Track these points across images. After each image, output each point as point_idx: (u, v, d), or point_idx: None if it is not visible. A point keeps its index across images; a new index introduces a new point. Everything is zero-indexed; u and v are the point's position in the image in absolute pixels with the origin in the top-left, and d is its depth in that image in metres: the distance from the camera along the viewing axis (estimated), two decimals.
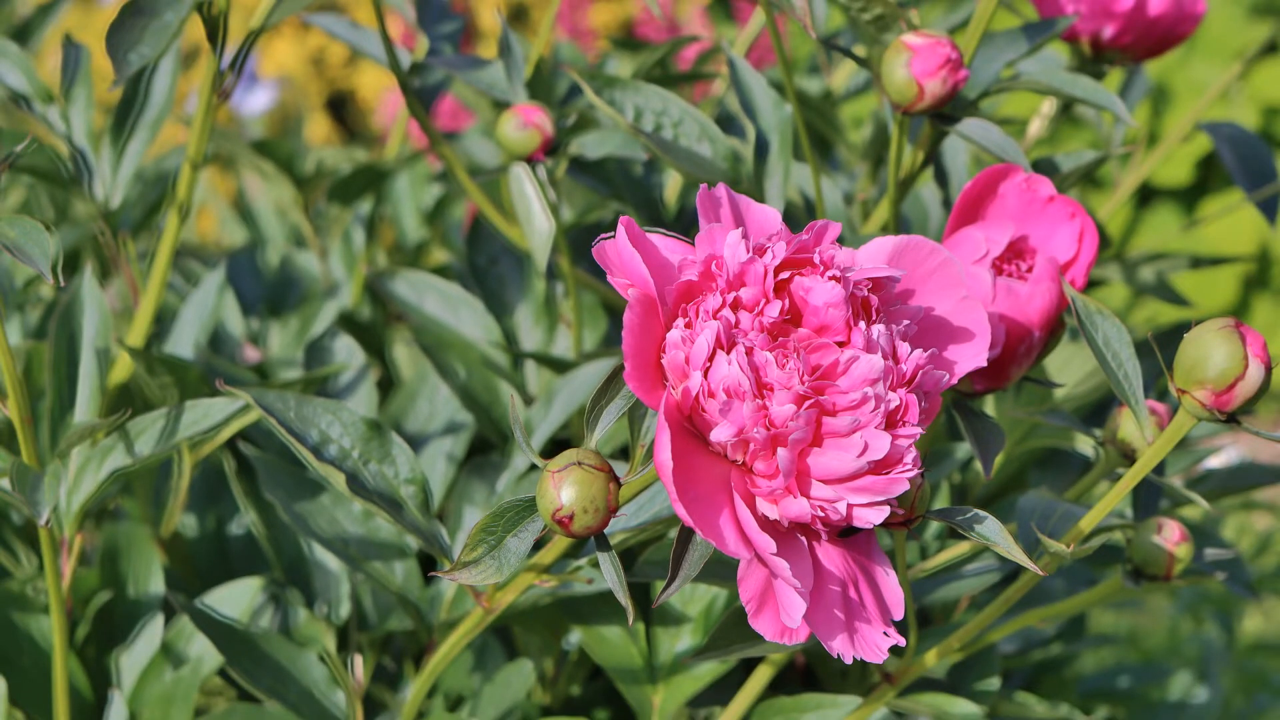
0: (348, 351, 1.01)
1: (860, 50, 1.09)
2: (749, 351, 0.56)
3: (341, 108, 3.41)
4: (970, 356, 0.62)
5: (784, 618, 0.57)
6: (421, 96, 1.04)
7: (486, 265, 1.05)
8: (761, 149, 0.87)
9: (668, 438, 0.55)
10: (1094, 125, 1.16)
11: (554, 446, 0.98)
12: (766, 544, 0.55)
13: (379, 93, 3.22)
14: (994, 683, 0.86)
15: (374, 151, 1.68)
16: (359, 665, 0.85)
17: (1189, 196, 3.04)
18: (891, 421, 0.57)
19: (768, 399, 0.56)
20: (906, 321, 0.60)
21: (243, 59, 0.83)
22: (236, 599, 0.88)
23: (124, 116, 0.94)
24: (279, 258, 1.25)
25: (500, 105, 1.03)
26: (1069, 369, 1.02)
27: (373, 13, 0.92)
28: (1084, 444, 0.99)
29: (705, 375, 0.56)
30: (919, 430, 0.57)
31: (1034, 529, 0.71)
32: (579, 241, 1.04)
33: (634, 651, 0.84)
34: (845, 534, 0.60)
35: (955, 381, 0.61)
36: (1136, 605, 1.93)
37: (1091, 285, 1.19)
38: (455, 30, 1.05)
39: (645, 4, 1.22)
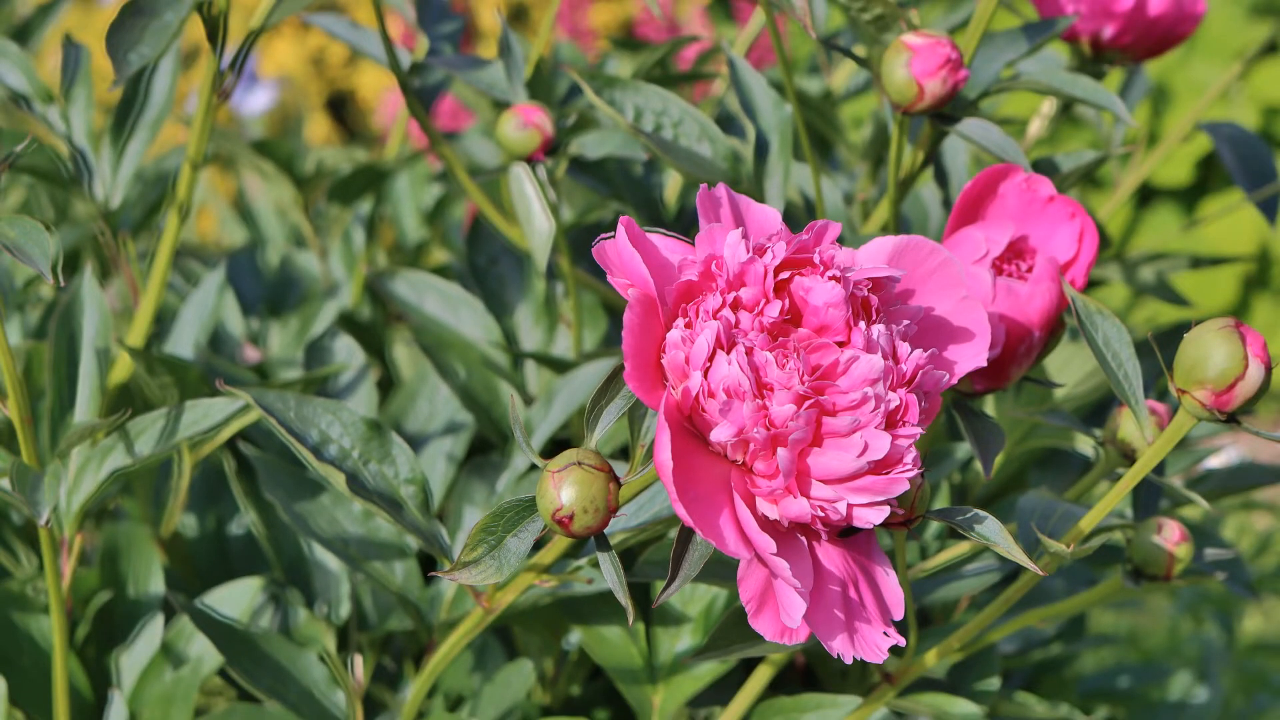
0: (348, 351, 1.01)
1: (860, 50, 1.09)
2: (749, 351, 0.56)
3: (341, 108, 3.41)
4: (970, 356, 0.62)
5: (784, 618, 0.57)
6: (421, 96, 1.04)
7: (486, 265, 1.05)
8: (761, 149, 0.87)
9: (668, 438, 0.55)
10: (1094, 125, 1.16)
11: (554, 446, 0.98)
12: (766, 544, 0.55)
13: (379, 93, 3.22)
14: (994, 683, 0.86)
15: (374, 151, 1.68)
16: (359, 665, 0.85)
17: (1189, 196, 3.04)
18: (891, 421, 0.57)
19: (768, 399, 0.56)
20: (906, 321, 0.60)
21: (243, 59, 0.83)
22: (236, 599, 0.88)
23: (124, 116, 0.94)
24: (279, 258, 1.25)
25: (500, 105, 1.03)
26: (1069, 369, 1.02)
27: (373, 13, 0.92)
28: (1084, 444, 0.99)
29: (705, 375, 0.56)
30: (919, 430, 0.57)
31: (1034, 529, 0.71)
32: (579, 241, 1.04)
33: (634, 651, 0.84)
34: (845, 534, 0.60)
35: (955, 381, 0.61)
36: (1136, 605, 1.93)
37: (1091, 285, 1.19)
38: (455, 30, 1.05)
39: (645, 4, 1.22)
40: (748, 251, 0.57)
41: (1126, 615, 2.01)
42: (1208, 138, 1.71)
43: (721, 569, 0.75)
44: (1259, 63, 2.94)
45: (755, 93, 0.88)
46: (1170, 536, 0.73)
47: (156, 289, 0.88)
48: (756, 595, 0.58)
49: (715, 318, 0.56)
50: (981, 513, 0.62)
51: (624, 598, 0.60)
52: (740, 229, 0.58)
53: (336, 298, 1.18)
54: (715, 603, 0.85)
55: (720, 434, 0.56)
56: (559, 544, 0.68)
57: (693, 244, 0.59)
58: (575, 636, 0.91)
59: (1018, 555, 0.61)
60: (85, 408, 0.84)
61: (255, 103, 2.78)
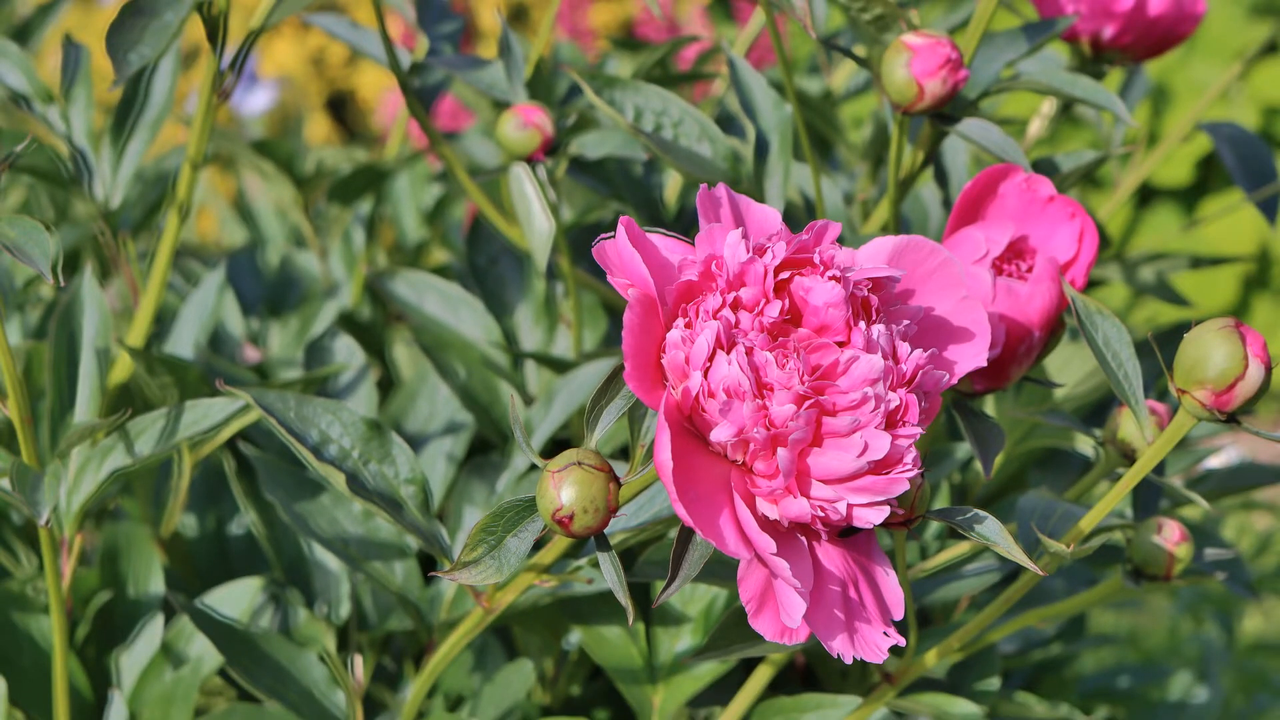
0: (348, 351, 1.01)
1: (860, 50, 1.09)
2: (749, 351, 0.56)
3: (341, 108, 3.41)
4: (970, 356, 0.62)
5: (784, 618, 0.57)
6: (421, 96, 1.04)
7: (486, 265, 1.05)
8: (761, 149, 0.87)
9: (668, 438, 0.55)
10: (1094, 125, 1.16)
11: (554, 446, 0.98)
12: (766, 544, 0.55)
13: (379, 93, 3.22)
14: (994, 683, 0.86)
15: (374, 151, 1.68)
16: (359, 665, 0.85)
17: (1189, 196, 3.04)
18: (891, 421, 0.57)
19: (768, 399, 0.56)
20: (906, 321, 0.60)
21: (243, 59, 0.83)
22: (236, 599, 0.88)
23: (124, 116, 0.94)
24: (279, 258, 1.25)
25: (500, 105, 1.03)
26: (1069, 369, 1.02)
27: (373, 13, 0.92)
28: (1084, 444, 0.99)
29: (705, 375, 0.56)
30: (919, 430, 0.57)
31: (1034, 529, 0.71)
32: (579, 241, 1.04)
33: (634, 651, 0.84)
34: (845, 534, 0.60)
35: (955, 381, 0.61)
36: (1136, 605, 1.93)
37: (1091, 285, 1.19)
38: (455, 30, 1.05)
39: (645, 4, 1.22)
40: (748, 251, 0.57)
41: (1126, 615, 2.01)
42: (1208, 138, 1.71)
43: (721, 569, 0.75)
44: (1259, 63, 2.94)
45: (755, 93, 0.88)
46: (1170, 536, 0.73)
47: (156, 289, 0.88)
48: (756, 595, 0.58)
49: (715, 318, 0.56)
50: (981, 513, 0.62)
51: (624, 598, 0.60)
52: (740, 229, 0.58)
53: (336, 298, 1.18)
54: (715, 603, 0.85)
55: (720, 434, 0.56)
56: (559, 544, 0.68)
57: (693, 244, 0.59)
58: (575, 636, 0.91)
59: (1018, 555, 0.61)
60: (85, 408, 0.84)
61: (255, 103, 2.78)
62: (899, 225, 0.86)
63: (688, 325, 0.57)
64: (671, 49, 1.07)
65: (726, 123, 1.07)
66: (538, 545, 0.66)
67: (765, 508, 0.57)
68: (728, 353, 0.56)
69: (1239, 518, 1.90)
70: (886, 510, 0.57)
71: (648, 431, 0.62)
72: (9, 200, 1.24)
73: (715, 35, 1.67)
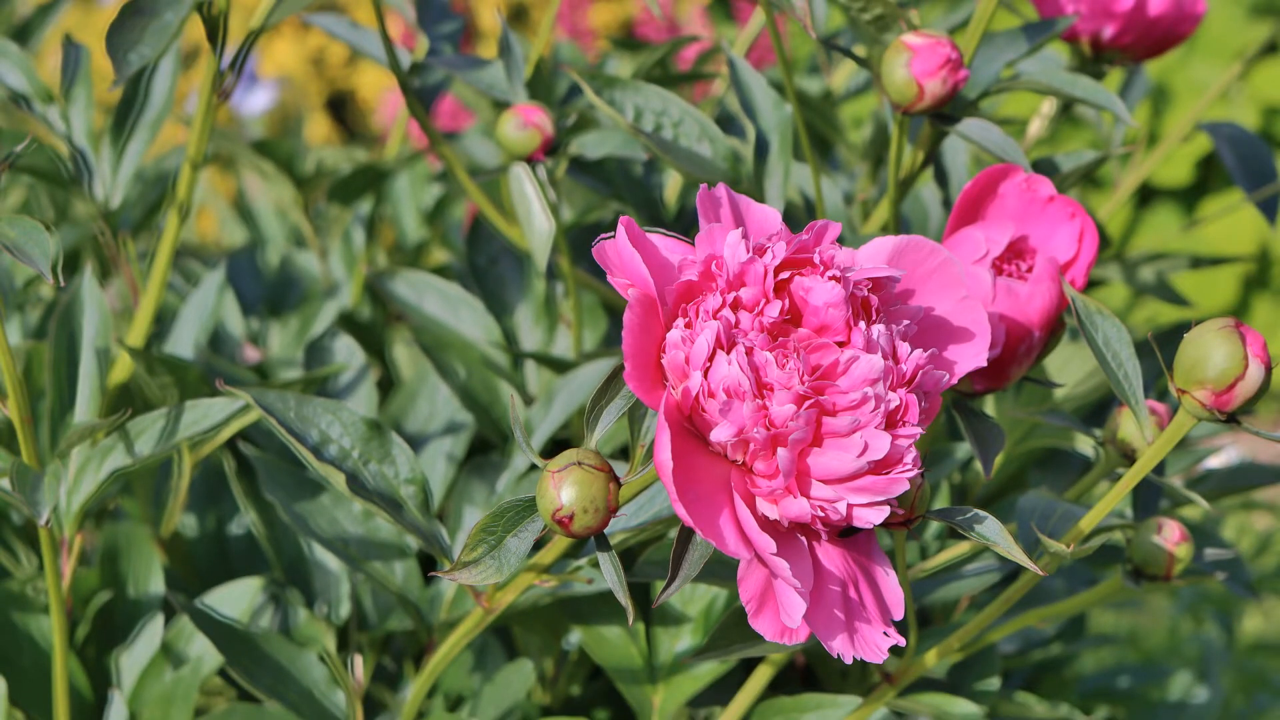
0: (348, 351, 1.01)
1: (860, 50, 1.09)
2: (749, 351, 0.56)
3: (341, 108, 3.41)
4: (970, 356, 0.62)
5: (784, 618, 0.57)
6: (421, 96, 1.04)
7: (486, 265, 1.05)
8: (761, 149, 0.87)
9: (668, 438, 0.55)
10: (1094, 125, 1.16)
11: (554, 446, 0.98)
12: (766, 544, 0.55)
13: (379, 93, 3.22)
14: (994, 683, 0.86)
15: (374, 151, 1.68)
16: (359, 665, 0.84)
17: (1189, 196, 3.04)
18: (891, 421, 0.57)
19: (768, 399, 0.56)
20: (906, 321, 0.60)
21: (243, 59, 0.83)
22: (236, 599, 0.88)
23: (124, 116, 0.94)
24: (279, 258, 1.25)
25: (500, 105, 1.03)
26: (1069, 369, 1.02)
27: (373, 13, 0.92)
28: (1084, 444, 0.99)
29: (705, 375, 0.56)
30: (919, 430, 0.57)
31: (1034, 529, 0.71)
32: (579, 241, 1.04)
33: (634, 651, 0.84)
34: (845, 534, 0.60)
35: (955, 381, 0.61)
36: (1136, 605, 1.93)
37: (1091, 285, 1.19)
38: (455, 30, 1.05)
39: (645, 4, 1.22)
40: (748, 251, 0.57)
41: (1126, 615, 2.01)
42: (1208, 138, 1.71)
43: (721, 569, 0.75)
44: (1259, 63, 2.94)
45: (755, 93, 0.88)
46: (1170, 536, 0.73)
47: (156, 289, 0.88)
48: (756, 595, 0.58)
49: (715, 318, 0.56)
50: (981, 513, 0.62)
51: (624, 598, 0.60)
52: (740, 229, 0.58)
53: (336, 298, 1.18)
54: (715, 603, 0.85)
55: (720, 434, 0.56)
56: (559, 544, 0.68)
57: (693, 244, 0.59)
58: (575, 636, 0.91)
59: (1018, 555, 0.61)
60: (85, 408, 0.84)
61: (255, 103, 2.78)
62: (899, 225, 0.86)
63: (688, 325, 0.57)
64: (671, 49, 1.07)
65: (726, 123, 1.07)
66: (538, 545, 0.66)
67: (765, 508, 0.57)
68: (728, 353, 0.56)
69: (1239, 518, 1.90)
70: (886, 510, 0.57)
71: (648, 431, 0.62)
72: (9, 200, 1.24)
73: (715, 35, 1.67)
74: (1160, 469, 0.76)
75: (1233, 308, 3.00)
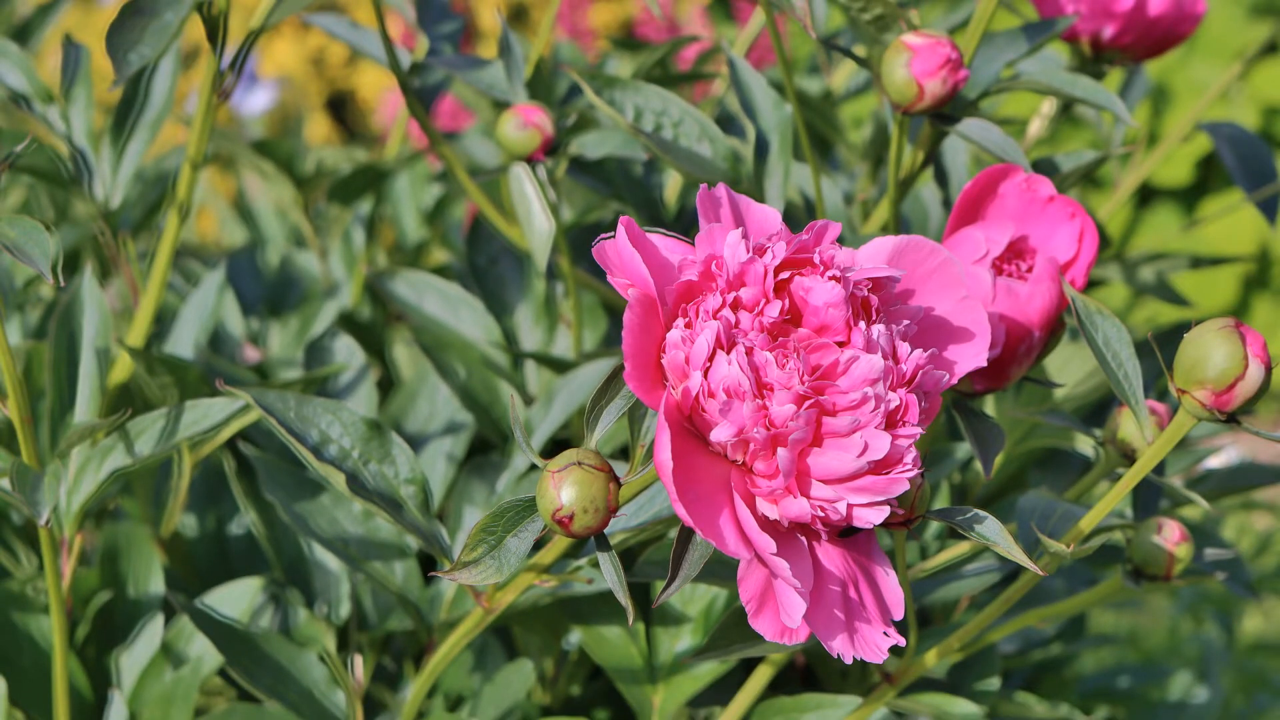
0: (348, 351, 1.01)
1: (860, 50, 1.09)
2: (749, 351, 0.56)
3: (341, 108, 3.41)
4: (970, 356, 0.62)
5: (784, 618, 0.57)
6: (421, 96, 1.04)
7: (486, 265, 1.05)
8: (761, 149, 0.87)
9: (668, 438, 0.55)
10: (1094, 125, 1.16)
11: (554, 446, 0.98)
12: (766, 544, 0.55)
13: (379, 93, 3.22)
14: (994, 683, 0.86)
15: (374, 151, 1.68)
16: (359, 665, 0.84)
17: (1189, 196, 3.04)
18: (891, 421, 0.57)
19: (768, 399, 0.56)
20: (906, 321, 0.60)
21: (243, 59, 0.83)
22: (236, 599, 0.88)
23: (124, 116, 0.94)
24: (279, 258, 1.25)
25: (500, 105, 1.03)
26: (1069, 369, 1.02)
27: (373, 13, 0.92)
28: (1084, 444, 0.99)
29: (705, 375, 0.56)
30: (919, 430, 0.57)
31: (1034, 529, 0.71)
32: (579, 241, 1.04)
33: (634, 651, 0.84)
34: (845, 534, 0.60)
35: (955, 381, 0.61)
36: (1136, 605, 1.93)
37: (1091, 285, 1.19)
38: (455, 30, 1.05)
39: (645, 4, 1.22)
40: (748, 251, 0.57)
41: (1126, 615, 2.01)
42: (1208, 138, 1.71)
43: (721, 569, 0.75)
44: (1259, 63, 2.94)
45: (755, 93, 0.88)
46: (1170, 536, 0.73)
47: (156, 289, 0.88)
48: (756, 595, 0.58)
49: (715, 318, 0.56)
50: (981, 513, 0.62)
51: (624, 598, 0.60)
52: (740, 229, 0.58)
53: (336, 298, 1.18)
54: (715, 603, 0.85)
55: (720, 434, 0.56)
56: (559, 544, 0.68)
57: (693, 244, 0.59)
58: (575, 636, 0.91)
59: (1018, 555, 0.61)
60: (85, 408, 0.84)
61: (255, 103, 2.78)
62: (899, 225, 0.86)
63: (688, 325, 0.57)
64: (671, 49, 1.07)
65: (726, 123, 1.07)
66: (538, 545, 0.66)
67: (765, 508, 0.57)
68: (728, 353, 0.56)
69: (1239, 518, 1.90)
70: (886, 510, 0.57)
71: (648, 431, 0.62)
72: (9, 200, 1.24)
73: (715, 35, 1.67)
74: (1160, 469, 0.76)
75: (1233, 308, 3.00)
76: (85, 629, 0.90)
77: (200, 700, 0.94)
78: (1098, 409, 1.04)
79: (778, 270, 0.58)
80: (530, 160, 0.88)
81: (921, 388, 0.59)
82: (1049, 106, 1.03)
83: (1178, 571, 0.73)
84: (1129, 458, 0.77)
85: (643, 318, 0.56)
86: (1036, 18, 0.92)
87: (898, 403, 0.57)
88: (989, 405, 0.98)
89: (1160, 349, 0.99)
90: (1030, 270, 0.75)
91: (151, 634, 0.87)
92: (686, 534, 0.60)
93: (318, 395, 0.96)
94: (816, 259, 0.58)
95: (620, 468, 0.66)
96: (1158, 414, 0.75)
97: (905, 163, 0.87)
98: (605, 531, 0.61)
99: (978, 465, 0.89)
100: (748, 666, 0.85)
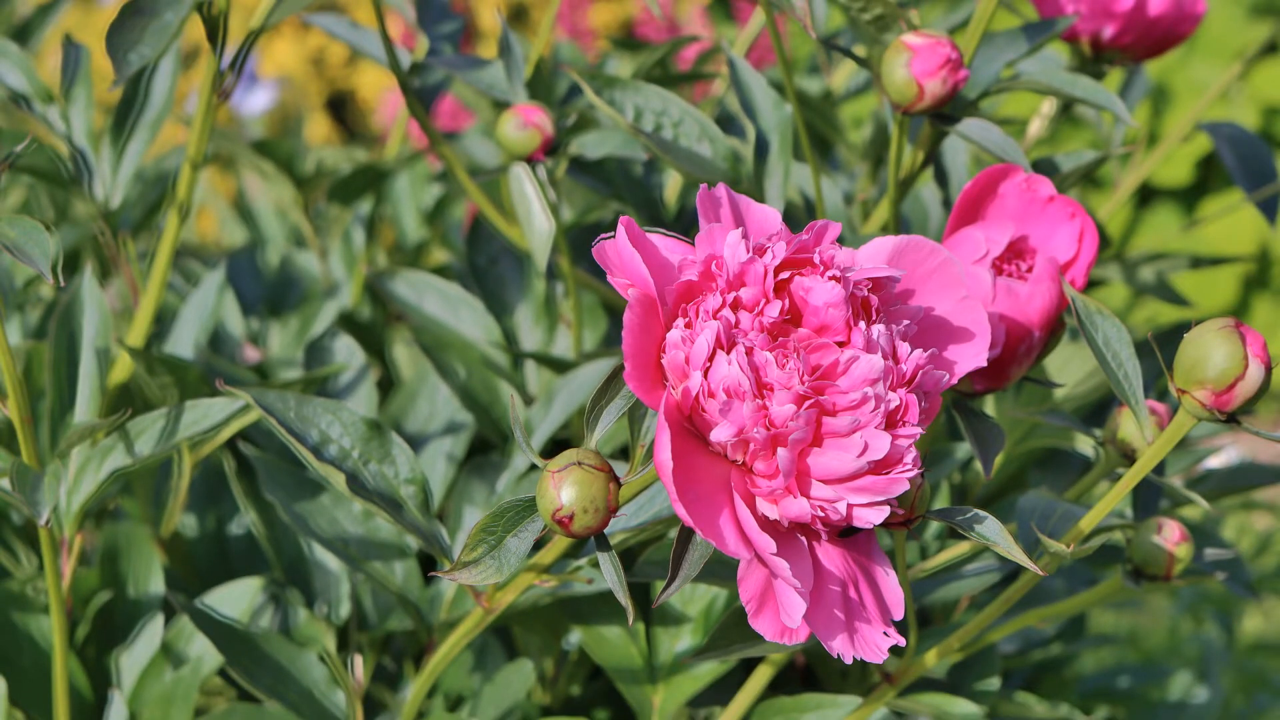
0: (348, 351, 1.01)
1: (860, 50, 1.09)
2: (749, 351, 0.56)
3: (341, 108, 3.41)
4: (970, 356, 0.62)
5: (784, 618, 0.57)
6: (421, 96, 1.04)
7: (486, 265, 1.05)
8: (761, 149, 0.87)
9: (668, 438, 0.55)
10: (1094, 125, 1.16)
11: (554, 446, 0.98)
12: (766, 544, 0.55)
13: (379, 93, 3.22)
14: (994, 683, 0.86)
15: (374, 151, 1.68)
16: (359, 665, 0.85)
17: (1189, 196, 3.04)
18: (891, 421, 0.57)
19: (768, 399, 0.56)
20: (906, 321, 0.60)
21: (243, 59, 0.83)
22: (236, 599, 0.88)
23: (124, 116, 0.94)
24: (279, 258, 1.25)
25: (500, 105, 1.03)
26: (1069, 369, 1.02)
27: (373, 13, 0.92)
28: (1084, 444, 0.99)
29: (705, 375, 0.56)
30: (919, 430, 0.57)
31: (1034, 529, 0.71)
32: (579, 241, 1.04)
33: (634, 651, 0.84)
34: (845, 534, 0.60)
35: (955, 381, 0.61)
36: (1136, 605, 1.93)
37: (1091, 285, 1.19)
38: (455, 30, 1.05)
39: (645, 4, 1.22)
40: (748, 251, 0.57)
41: (1126, 615, 2.01)
42: (1208, 138, 1.71)
43: (721, 569, 0.75)
44: (1259, 63, 2.94)
45: (755, 93, 0.88)
46: (1170, 536, 0.73)
47: (156, 289, 0.88)
48: (756, 595, 0.58)
49: (715, 318, 0.56)
50: (981, 513, 0.62)
51: (624, 598, 0.60)
52: (740, 229, 0.58)
53: (336, 298, 1.18)
54: (715, 603, 0.85)
55: (720, 434, 0.56)
56: (559, 544, 0.68)
57: (693, 244, 0.59)
58: (575, 636, 0.91)
59: (1018, 555, 0.61)
60: (85, 408, 0.84)
61: (255, 103, 2.78)
62: (899, 225, 0.86)
63: (688, 325, 0.57)
64: (671, 49, 1.07)
65: (726, 123, 1.07)
66: (538, 545, 0.66)
67: (765, 508, 0.57)
68: (728, 353, 0.56)
69: (1239, 518, 1.90)
70: (886, 510, 0.57)
71: (648, 431, 0.62)
72: (9, 200, 1.24)
73: (715, 35, 1.67)
74: (1160, 469, 0.76)
75: (1233, 308, 3.00)
76: (85, 629, 0.90)
77: (200, 700, 0.94)
78: (1098, 409, 1.04)
79: (778, 270, 0.58)
80: (530, 160, 0.88)
81: (921, 388, 0.59)
82: (1049, 106, 1.03)
83: (1178, 571, 0.73)
84: (1129, 458, 0.77)
85: (643, 318, 0.56)
86: (1036, 18, 0.92)
87: (898, 403, 0.57)
88: (989, 405, 0.98)
89: (1160, 349, 0.99)
90: (1030, 270, 0.75)
91: (151, 634, 0.87)
92: (686, 534, 0.60)
93: (318, 395, 0.96)
94: (816, 259, 0.58)
95: (620, 468, 0.66)
96: (1158, 414, 0.75)
97: (905, 163, 0.87)
98: (605, 531, 0.61)
99: (978, 465, 0.89)
100: (748, 666, 0.85)
